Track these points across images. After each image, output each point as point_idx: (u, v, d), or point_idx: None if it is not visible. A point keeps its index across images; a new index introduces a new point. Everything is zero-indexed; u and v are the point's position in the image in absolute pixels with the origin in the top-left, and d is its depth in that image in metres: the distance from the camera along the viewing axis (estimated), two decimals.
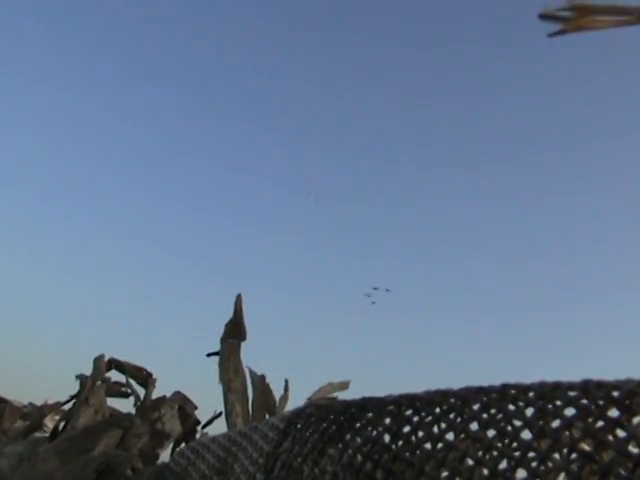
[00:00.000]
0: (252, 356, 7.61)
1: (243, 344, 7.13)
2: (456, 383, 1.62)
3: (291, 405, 7.75)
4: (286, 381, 7.90)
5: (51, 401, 9.71)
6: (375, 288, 12.64)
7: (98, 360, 7.88)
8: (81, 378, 7.96)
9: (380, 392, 1.95)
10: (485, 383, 1.50)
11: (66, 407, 8.81)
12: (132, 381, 8.49)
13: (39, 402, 10.26)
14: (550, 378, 1.35)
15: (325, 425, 2.14)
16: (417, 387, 1.79)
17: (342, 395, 8.10)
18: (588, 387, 1.21)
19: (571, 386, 1.24)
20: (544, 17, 2.57)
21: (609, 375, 1.24)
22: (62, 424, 7.63)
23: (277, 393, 7.72)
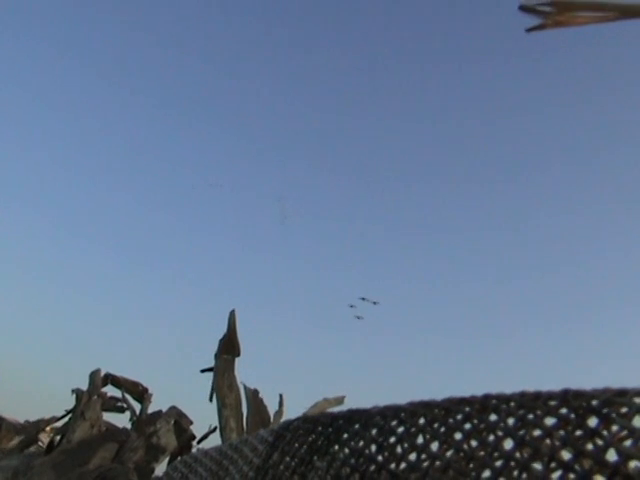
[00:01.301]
0: (248, 372, 7.59)
1: (237, 360, 7.11)
2: (442, 393, 1.63)
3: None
4: (280, 396, 7.87)
5: (47, 418, 9.67)
6: (363, 299, 12.53)
7: (94, 375, 7.85)
8: (77, 392, 7.93)
9: (372, 404, 1.95)
10: (469, 393, 1.51)
11: (62, 422, 8.77)
12: (128, 396, 8.46)
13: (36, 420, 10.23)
14: (532, 387, 1.35)
15: (313, 437, 2.14)
16: (408, 398, 1.80)
17: (337, 410, 8.04)
18: (567, 396, 1.21)
19: (551, 396, 1.24)
20: (524, 9, 2.57)
21: (589, 384, 1.24)
22: (58, 438, 7.60)
23: (273, 408, 7.69)
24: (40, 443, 9.10)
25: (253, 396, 7.21)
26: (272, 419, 7.42)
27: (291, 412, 8.00)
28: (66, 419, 8.27)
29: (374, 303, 12.68)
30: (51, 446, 7.28)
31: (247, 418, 6.92)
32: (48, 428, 9.12)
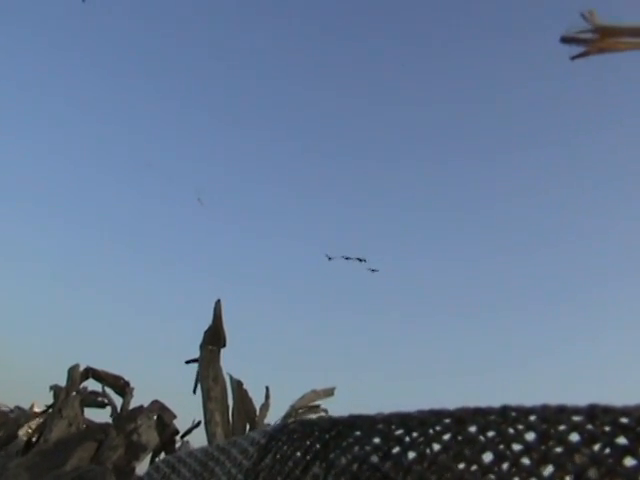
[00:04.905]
0: (234, 363, 7.46)
1: (223, 351, 6.97)
2: (447, 397, 1.54)
3: (272, 413, 7.63)
4: (267, 388, 7.75)
5: (39, 405, 9.56)
6: (347, 258, 12.18)
7: (72, 370, 7.61)
8: (55, 389, 7.68)
9: (366, 399, 1.87)
10: (483, 402, 1.43)
11: (43, 417, 8.58)
12: (109, 390, 8.26)
13: (26, 406, 10.12)
14: (549, 397, 1.28)
15: (309, 442, 2.05)
16: (404, 394, 1.72)
17: (327, 402, 7.98)
18: (595, 412, 1.13)
19: (576, 410, 1.16)
20: (566, 40, 2.56)
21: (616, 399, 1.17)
22: (35, 437, 7.39)
23: (259, 400, 7.57)
24: (23, 432, 8.88)
25: (238, 388, 7.08)
26: (258, 412, 7.31)
27: (278, 404, 7.90)
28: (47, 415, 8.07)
29: (360, 260, 12.12)
30: (28, 446, 7.07)
31: (233, 411, 6.79)
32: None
